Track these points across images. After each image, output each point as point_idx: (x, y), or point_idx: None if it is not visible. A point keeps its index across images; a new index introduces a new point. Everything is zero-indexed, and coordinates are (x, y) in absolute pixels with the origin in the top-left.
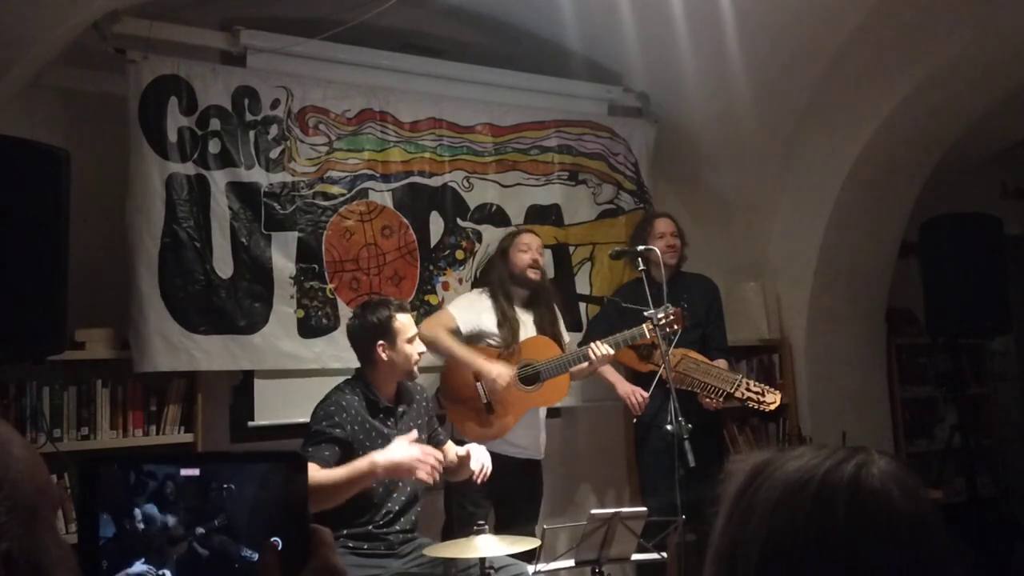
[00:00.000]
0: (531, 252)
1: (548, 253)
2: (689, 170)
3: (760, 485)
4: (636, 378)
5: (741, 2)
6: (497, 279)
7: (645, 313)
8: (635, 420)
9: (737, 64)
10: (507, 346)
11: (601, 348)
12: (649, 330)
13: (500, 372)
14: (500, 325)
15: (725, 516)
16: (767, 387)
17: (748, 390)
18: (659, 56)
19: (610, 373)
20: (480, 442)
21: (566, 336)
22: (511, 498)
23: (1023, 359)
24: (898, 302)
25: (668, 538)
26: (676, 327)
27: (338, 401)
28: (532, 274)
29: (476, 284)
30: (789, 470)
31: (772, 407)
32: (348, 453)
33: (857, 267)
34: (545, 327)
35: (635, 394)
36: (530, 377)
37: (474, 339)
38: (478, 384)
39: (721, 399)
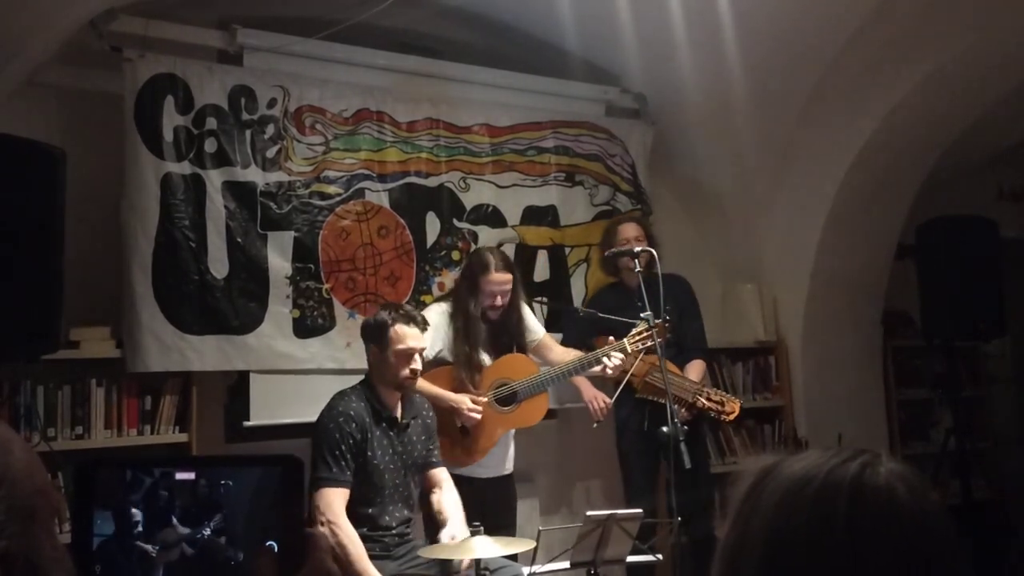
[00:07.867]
0: (497, 298)
1: (544, 254)
2: (686, 172)
3: (766, 486)
4: (604, 385)
5: (739, 4)
6: (462, 308)
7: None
8: (595, 425)
9: (735, 66)
10: (471, 380)
11: (614, 358)
12: (632, 343)
13: (469, 405)
14: (458, 357)
15: (732, 517)
16: (727, 396)
17: (708, 400)
18: (657, 57)
19: (576, 378)
20: (455, 468)
21: (537, 336)
22: (486, 515)
23: (1018, 362)
24: (894, 304)
25: (658, 540)
26: (659, 339)
27: (345, 410)
28: (492, 314)
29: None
30: (794, 469)
31: (732, 417)
32: (359, 460)
33: (853, 269)
34: (502, 352)
35: (597, 399)
36: (506, 397)
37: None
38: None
39: (683, 410)
